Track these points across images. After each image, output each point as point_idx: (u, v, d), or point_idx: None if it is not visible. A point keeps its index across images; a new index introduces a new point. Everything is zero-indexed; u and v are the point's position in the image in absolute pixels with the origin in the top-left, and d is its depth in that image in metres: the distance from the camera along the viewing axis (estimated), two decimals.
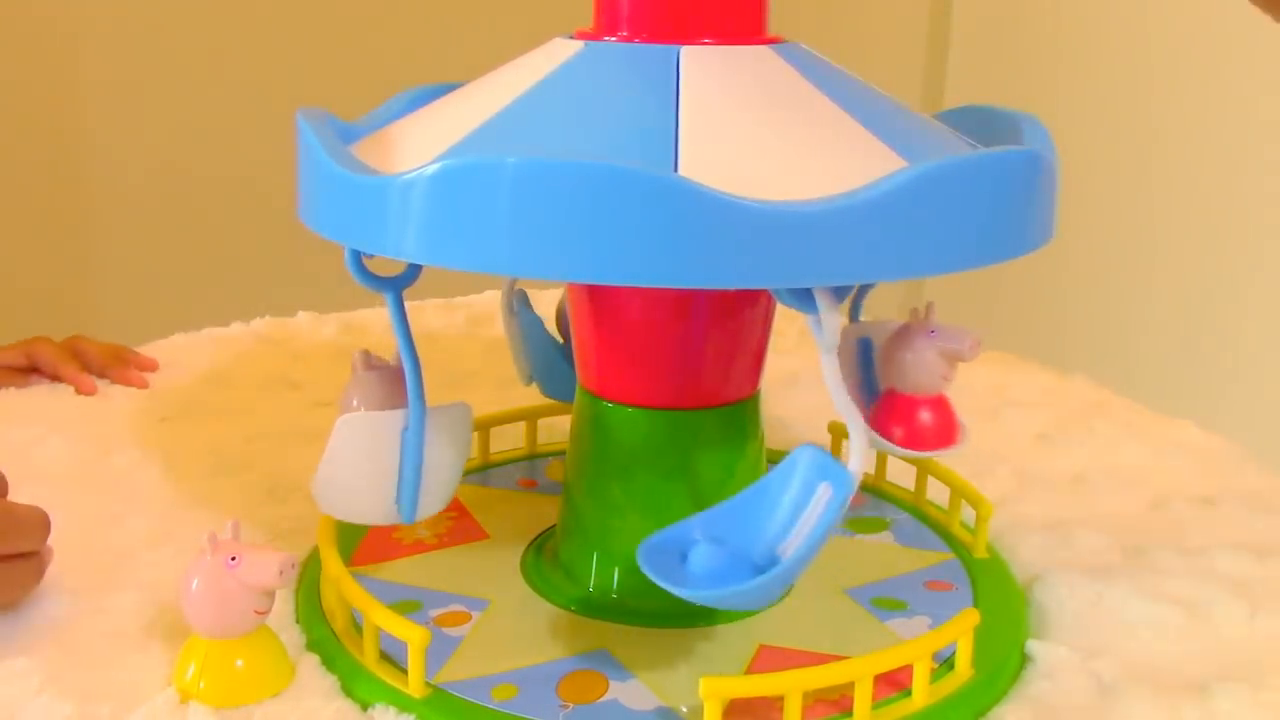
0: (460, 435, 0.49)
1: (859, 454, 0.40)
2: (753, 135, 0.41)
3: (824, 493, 0.40)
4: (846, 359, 0.52)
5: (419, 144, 0.43)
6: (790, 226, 0.36)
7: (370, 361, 0.50)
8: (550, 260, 0.37)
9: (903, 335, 0.50)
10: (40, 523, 0.50)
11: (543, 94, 0.43)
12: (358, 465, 0.47)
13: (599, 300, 0.49)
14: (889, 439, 0.50)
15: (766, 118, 0.42)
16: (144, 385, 0.76)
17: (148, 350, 0.81)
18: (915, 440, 0.50)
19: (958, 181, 0.38)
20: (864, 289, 0.55)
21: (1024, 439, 0.71)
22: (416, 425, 0.47)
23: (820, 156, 0.40)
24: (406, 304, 0.47)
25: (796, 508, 0.41)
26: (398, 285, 0.47)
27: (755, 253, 0.36)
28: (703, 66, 0.43)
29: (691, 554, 0.41)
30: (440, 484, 0.49)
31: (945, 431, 0.50)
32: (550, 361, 0.60)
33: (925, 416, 0.50)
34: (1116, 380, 0.80)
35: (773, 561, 0.41)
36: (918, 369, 0.49)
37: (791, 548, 0.40)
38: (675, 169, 0.39)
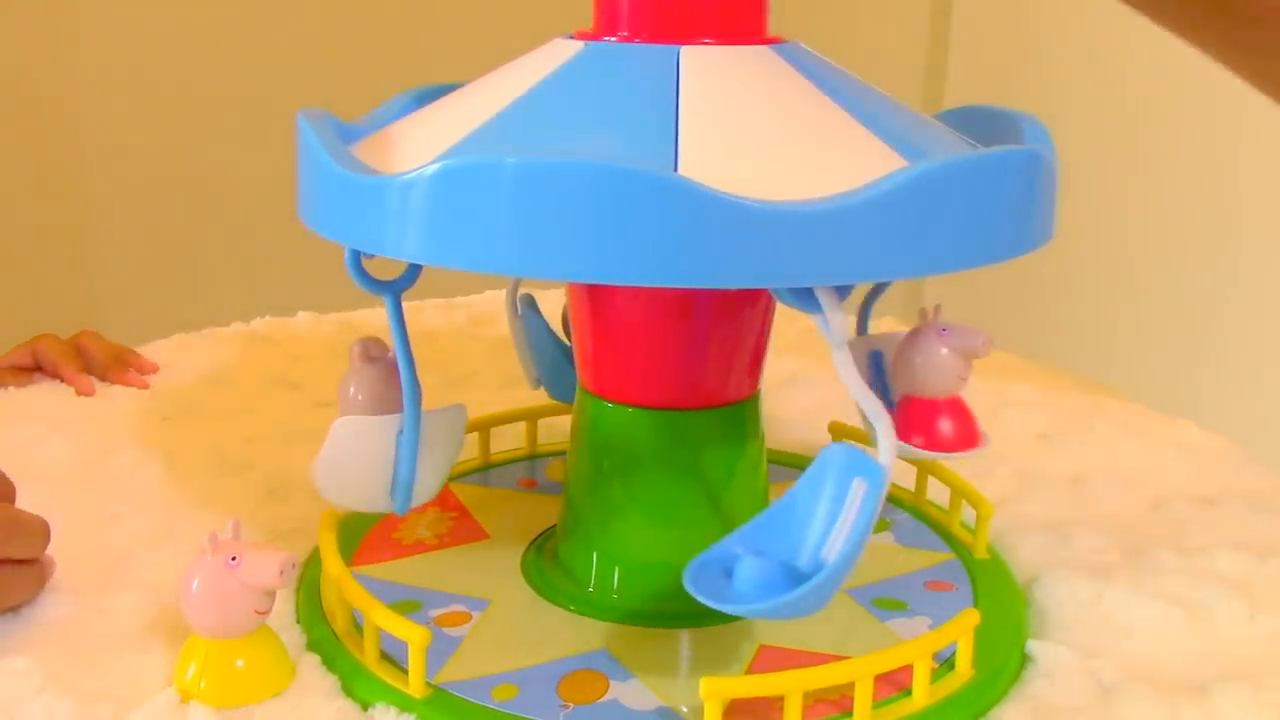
0: (454, 435, 0.50)
1: (887, 445, 0.40)
2: (752, 135, 0.41)
3: (859, 489, 0.40)
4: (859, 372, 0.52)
5: (419, 144, 0.43)
6: (791, 226, 0.36)
7: (369, 353, 0.50)
8: (551, 260, 0.37)
9: (913, 339, 0.50)
10: (42, 531, 0.50)
11: (543, 94, 0.43)
12: (351, 464, 0.48)
13: (598, 300, 0.49)
14: (909, 445, 0.49)
15: (766, 117, 0.42)
16: (144, 386, 0.76)
17: (148, 350, 0.81)
18: (937, 443, 0.49)
19: (958, 181, 0.38)
20: (872, 297, 0.54)
21: (1024, 439, 0.71)
22: (411, 431, 0.47)
23: (820, 156, 0.40)
24: (406, 303, 0.47)
25: (833, 509, 0.40)
26: (396, 288, 0.47)
27: (756, 252, 0.36)
28: (702, 66, 0.43)
29: (736, 570, 0.40)
30: (433, 478, 0.50)
31: (967, 433, 0.50)
32: (557, 364, 0.60)
33: (945, 421, 0.49)
34: (1116, 380, 0.80)
35: (819, 566, 0.40)
36: (932, 370, 0.49)
37: (834, 550, 0.40)
38: (675, 168, 0.39)
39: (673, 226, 0.36)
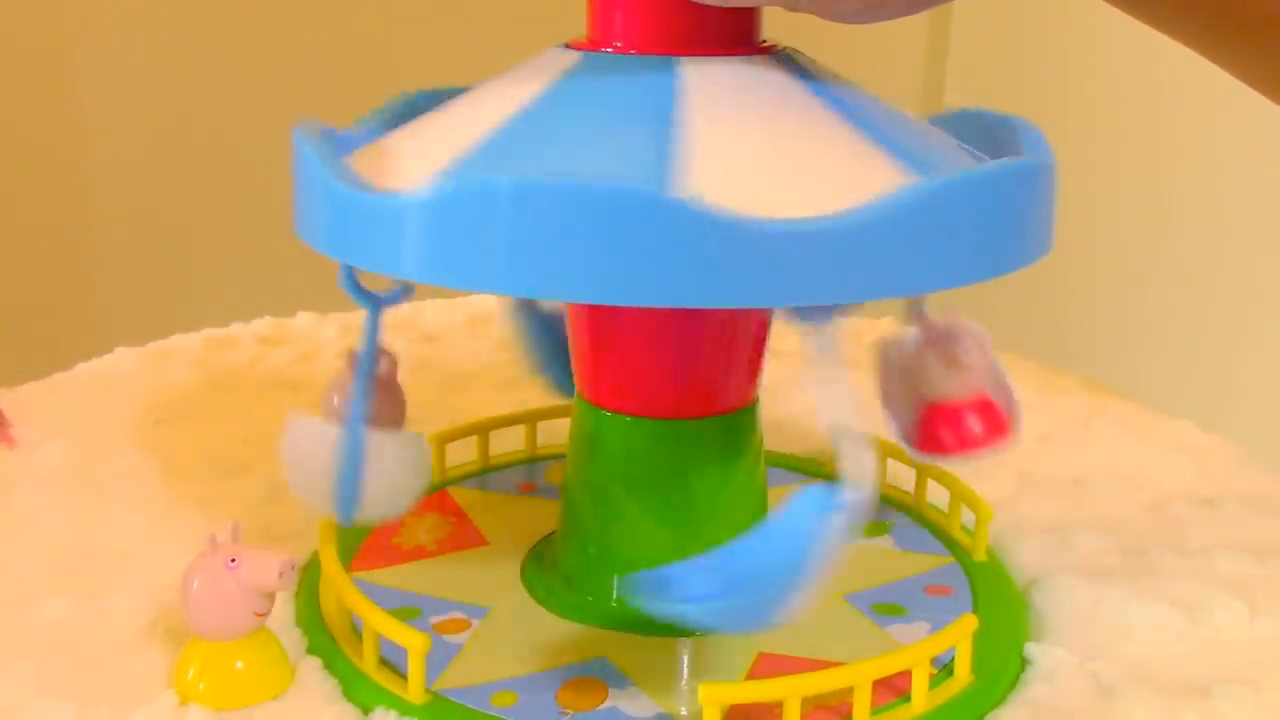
0: (407, 462, 0.48)
1: (859, 470, 0.38)
2: (754, 149, 0.40)
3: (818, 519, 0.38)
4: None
5: (419, 159, 0.43)
6: (793, 246, 0.36)
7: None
8: (549, 280, 0.37)
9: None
10: None
11: (543, 108, 0.42)
12: (302, 465, 0.47)
13: (596, 310, 0.48)
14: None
15: (768, 131, 0.41)
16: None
17: (148, 349, 0.81)
18: (968, 441, 0.49)
19: (963, 196, 0.38)
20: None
21: (1023, 440, 0.71)
22: (354, 443, 0.46)
23: (823, 171, 0.40)
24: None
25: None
26: (386, 302, 0.47)
27: (761, 273, 0.36)
28: (702, 78, 0.42)
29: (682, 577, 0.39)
30: (386, 500, 0.48)
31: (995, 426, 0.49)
32: (554, 354, 0.60)
33: (973, 419, 0.49)
34: (1116, 380, 0.80)
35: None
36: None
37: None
38: (673, 185, 0.38)
39: (672, 247, 0.35)
